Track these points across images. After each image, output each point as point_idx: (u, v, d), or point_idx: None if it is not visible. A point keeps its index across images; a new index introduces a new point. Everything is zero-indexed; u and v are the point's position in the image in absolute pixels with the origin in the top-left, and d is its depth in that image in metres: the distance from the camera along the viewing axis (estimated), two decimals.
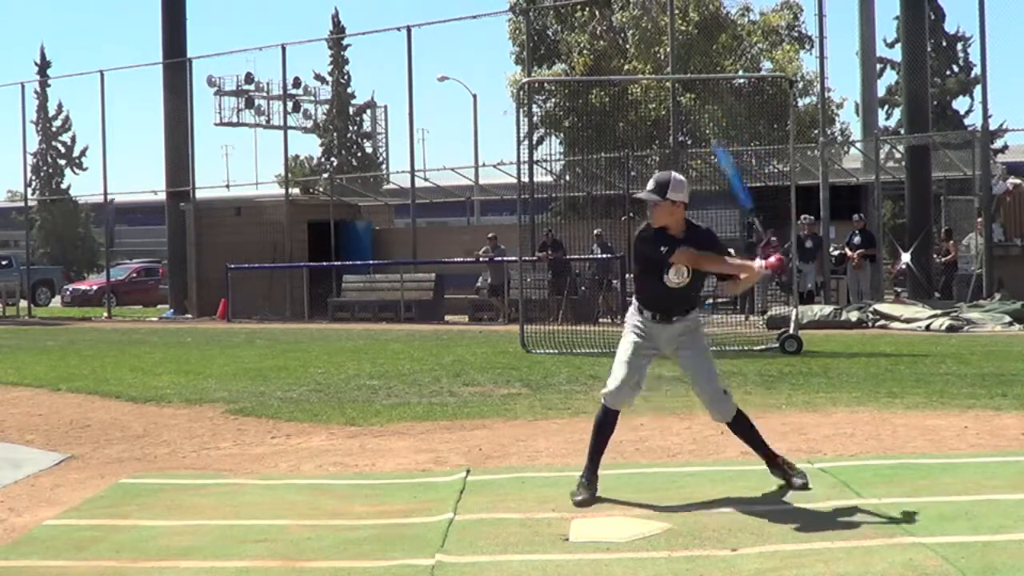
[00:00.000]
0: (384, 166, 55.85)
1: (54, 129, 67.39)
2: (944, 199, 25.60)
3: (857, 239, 21.82)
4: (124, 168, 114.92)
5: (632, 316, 6.29)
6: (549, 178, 26.68)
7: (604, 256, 21.91)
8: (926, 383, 10.69)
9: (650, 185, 6.15)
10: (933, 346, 14.95)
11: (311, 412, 9.76)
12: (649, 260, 6.13)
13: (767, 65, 30.62)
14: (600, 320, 20.65)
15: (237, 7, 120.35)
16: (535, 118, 28.83)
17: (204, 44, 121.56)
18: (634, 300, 6.35)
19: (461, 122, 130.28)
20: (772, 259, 6.34)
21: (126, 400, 10.97)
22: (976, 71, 33.44)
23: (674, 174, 6.20)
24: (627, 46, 30.56)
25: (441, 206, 37.22)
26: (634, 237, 6.30)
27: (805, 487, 6.14)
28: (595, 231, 21.81)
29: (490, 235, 25.24)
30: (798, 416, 8.90)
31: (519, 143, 17.85)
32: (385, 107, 56.56)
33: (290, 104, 35.00)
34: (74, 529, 5.85)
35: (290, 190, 32.86)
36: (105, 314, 31.59)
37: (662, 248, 6.05)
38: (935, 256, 24.10)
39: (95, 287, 39.11)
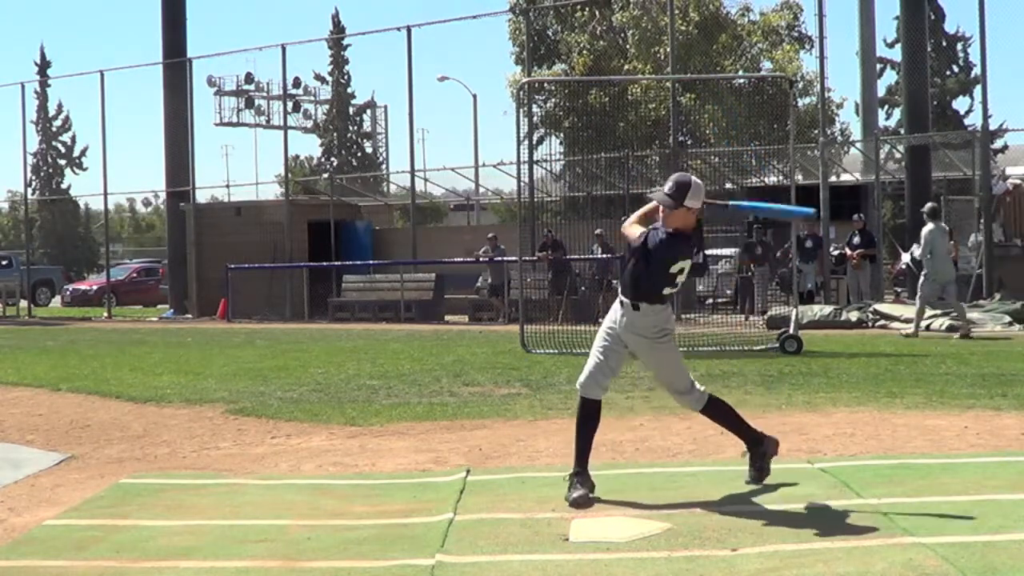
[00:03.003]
0: (384, 166, 55.92)
1: (54, 129, 67.44)
2: (944, 199, 25.59)
3: (857, 239, 21.82)
4: (124, 168, 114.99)
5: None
6: (555, 198, 26.58)
7: (604, 256, 21.90)
8: (926, 383, 10.69)
9: (668, 187, 6.06)
10: (933, 346, 14.95)
11: (311, 412, 9.76)
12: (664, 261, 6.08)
13: (767, 65, 30.62)
14: (600, 320, 20.63)
15: (237, 7, 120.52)
16: (535, 118, 28.84)
17: (204, 44, 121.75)
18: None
19: (461, 122, 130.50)
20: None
21: (126, 400, 10.97)
22: (976, 71, 33.45)
23: (694, 179, 6.12)
24: (627, 46, 30.55)
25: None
26: (658, 238, 6.09)
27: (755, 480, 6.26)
28: (596, 231, 21.81)
29: (490, 235, 25.24)
30: (798, 416, 8.90)
31: (519, 143, 17.87)
32: (385, 107, 56.72)
33: (290, 104, 35.03)
34: (74, 529, 5.84)
35: (291, 190, 32.85)
36: (105, 314, 31.59)
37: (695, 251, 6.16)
38: None
39: (95, 287, 39.12)
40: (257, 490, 6.75)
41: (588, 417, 6.22)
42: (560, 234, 21.92)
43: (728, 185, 25.16)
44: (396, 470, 7.22)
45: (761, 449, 6.34)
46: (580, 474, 6.10)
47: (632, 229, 6.25)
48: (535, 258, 21.37)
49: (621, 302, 6.23)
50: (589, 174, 24.73)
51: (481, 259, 24.90)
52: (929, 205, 18.03)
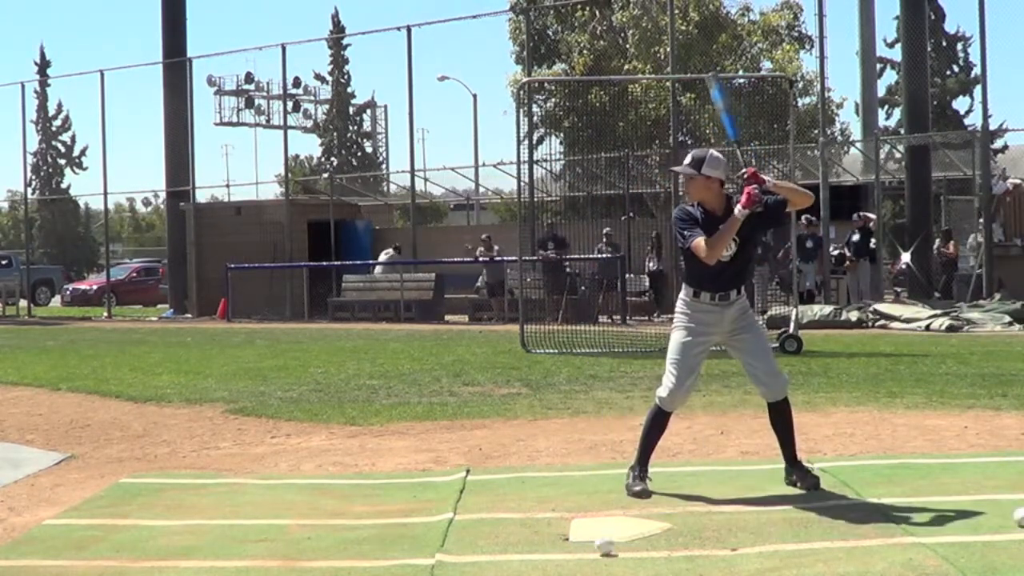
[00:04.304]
0: (384, 166, 55.92)
1: (54, 129, 67.37)
2: (944, 199, 25.59)
3: (856, 237, 21.82)
4: (124, 168, 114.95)
5: (683, 307, 6.15)
6: (555, 198, 26.56)
7: (603, 256, 21.87)
8: (926, 383, 10.69)
9: (687, 160, 6.16)
10: (933, 346, 14.95)
11: (311, 412, 9.76)
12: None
13: (767, 65, 30.58)
14: (600, 320, 20.64)
15: (237, 7, 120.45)
16: (535, 118, 28.80)
17: (204, 44, 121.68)
18: (684, 289, 6.18)
19: (461, 122, 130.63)
20: (743, 197, 6.03)
21: (126, 400, 10.97)
22: (976, 71, 33.42)
23: (712, 151, 6.17)
24: (627, 46, 30.52)
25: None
26: (673, 219, 6.21)
27: (815, 487, 6.11)
28: (605, 230, 21.77)
29: (484, 236, 25.21)
30: (798, 416, 8.81)
31: (519, 143, 17.89)
32: (385, 107, 56.72)
33: (290, 104, 35.01)
34: (74, 529, 5.85)
35: (291, 190, 32.82)
36: (105, 314, 31.57)
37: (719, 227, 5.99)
38: (935, 256, 24.10)
39: (95, 287, 39.09)
40: (257, 490, 6.75)
41: (663, 427, 6.25)
42: (561, 233, 21.90)
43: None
44: (396, 470, 7.22)
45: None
46: (643, 470, 6.15)
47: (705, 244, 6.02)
48: (536, 258, 21.36)
49: (722, 300, 6.09)
50: (589, 174, 24.72)
51: (481, 259, 24.88)
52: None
